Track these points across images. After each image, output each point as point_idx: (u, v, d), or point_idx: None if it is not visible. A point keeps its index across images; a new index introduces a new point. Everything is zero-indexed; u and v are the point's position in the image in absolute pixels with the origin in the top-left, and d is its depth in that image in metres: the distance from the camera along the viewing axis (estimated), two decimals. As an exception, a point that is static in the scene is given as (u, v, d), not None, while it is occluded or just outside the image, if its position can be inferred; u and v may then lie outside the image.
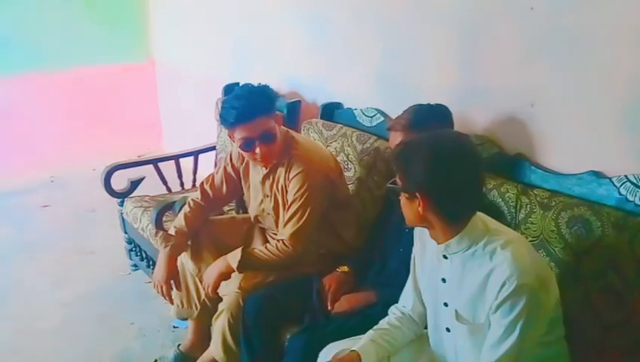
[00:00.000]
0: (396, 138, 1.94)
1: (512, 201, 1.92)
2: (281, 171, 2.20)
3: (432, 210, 1.45)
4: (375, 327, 1.73)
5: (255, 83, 2.17)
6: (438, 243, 1.51)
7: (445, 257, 1.52)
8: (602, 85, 1.79)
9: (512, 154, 2.05)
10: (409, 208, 1.50)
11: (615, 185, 1.74)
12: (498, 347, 1.39)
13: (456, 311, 1.52)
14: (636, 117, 1.72)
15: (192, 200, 2.41)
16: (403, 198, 1.51)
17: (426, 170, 1.41)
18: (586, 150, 1.87)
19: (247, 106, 2.06)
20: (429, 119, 1.91)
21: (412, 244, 1.74)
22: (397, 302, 1.82)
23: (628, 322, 1.63)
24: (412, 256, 1.74)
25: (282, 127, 2.26)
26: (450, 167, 1.40)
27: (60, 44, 4.54)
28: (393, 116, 2.49)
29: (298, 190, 2.13)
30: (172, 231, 2.36)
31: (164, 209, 2.73)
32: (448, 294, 1.54)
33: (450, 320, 1.56)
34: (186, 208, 2.40)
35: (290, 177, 2.15)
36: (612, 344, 1.67)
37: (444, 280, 1.55)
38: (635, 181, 1.69)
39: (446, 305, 1.56)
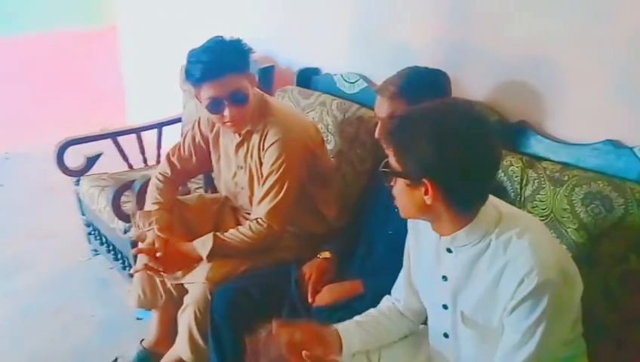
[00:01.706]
0: (382, 104, 1.71)
1: (517, 176, 1.69)
2: (255, 139, 1.98)
3: (442, 199, 1.19)
4: (364, 314, 1.52)
5: (227, 37, 1.91)
6: (442, 236, 1.27)
7: (449, 251, 1.28)
8: (620, 38, 1.55)
9: (515, 122, 1.81)
10: (409, 197, 1.23)
11: (637, 156, 1.52)
12: (514, 356, 1.16)
13: (462, 313, 1.28)
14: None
15: (160, 173, 2.17)
16: (401, 185, 1.24)
17: (435, 150, 1.14)
18: (601, 116, 1.63)
19: (216, 61, 1.82)
20: (423, 87, 1.66)
21: (402, 225, 1.50)
22: (387, 292, 1.59)
23: (654, 313, 1.43)
24: (406, 247, 1.49)
25: (257, 89, 2.01)
26: (464, 146, 1.14)
27: (9, 8, 4.16)
28: (378, 82, 2.24)
29: (274, 161, 1.91)
30: (150, 208, 2.10)
31: (123, 188, 2.46)
32: (450, 294, 1.30)
33: (449, 324, 1.32)
34: (157, 183, 2.15)
35: (266, 146, 1.93)
36: (634, 338, 1.47)
37: (445, 278, 1.31)
38: (660, 151, 1.47)
39: (445, 307, 1.32)
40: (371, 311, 1.53)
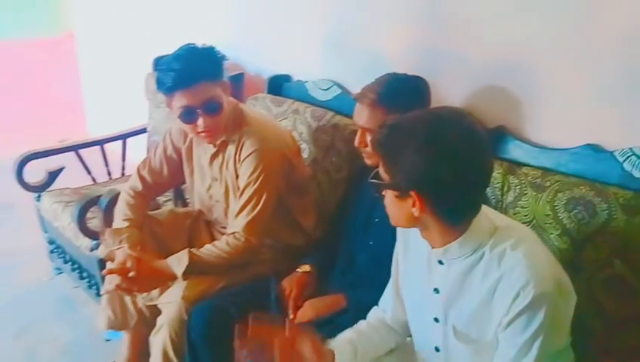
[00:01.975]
0: (362, 112, 1.67)
1: (498, 182, 1.67)
2: (231, 150, 1.91)
3: (430, 211, 1.15)
4: (352, 328, 1.47)
5: (199, 44, 1.85)
6: (434, 248, 1.23)
7: (441, 263, 1.24)
8: (599, 41, 1.54)
9: (493, 128, 1.79)
10: (398, 208, 1.20)
11: (618, 160, 1.51)
12: (511, 371, 1.13)
13: (454, 327, 1.24)
14: (638, 78, 1.48)
15: (130, 188, 2.08)
16: (390, 196, 1.21)
17: (423, 162, 1.10)
18: (580, 120, 1.62)
19: (189, 69, 1.76)
20: (403, 94, 1.63)
21: (383, 236, 1.47)
22: (370, 305, 1.56)
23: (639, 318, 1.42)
24: (394, 254, 1.46)
25: (231, 98, 1.95)
26: (454, 159, 1.10)
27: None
28: (352, 89, 2.22)
29: (252, 173, 1.85)
30: (120, 225, 2.01)
31: (89, 204, 2.35)
32: (441, 307, 1.27)
33: (441, 338, 1.29)
34: (127, 198, 2.06)
35: (242, 157, 1.87)
36: (619, 343, 1.46)
37: (436, 291, 1.27)
38: (642, 154, 1.47)
39: (437, 320, 1.28)
40: (361, 324, 1.49)
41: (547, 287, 1.10)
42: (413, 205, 1.15)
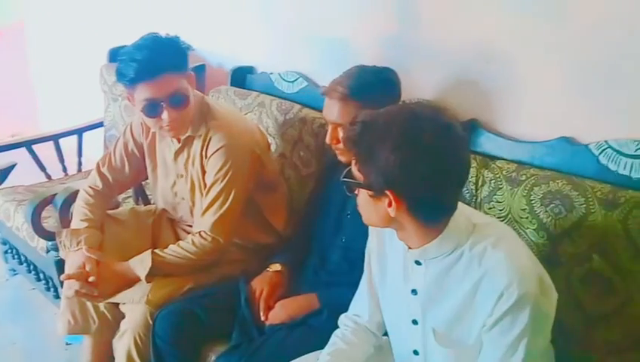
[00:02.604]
0: (333, 107, 1.60)
1: (472, 176, 1.64)
2: (197, 145, 1.83)
3: (407, 211, 1.10)
4: (328, 349, 1.39)
5: (162, 34, 1.75)
6: (411, 248, 1.18)
7: (418, 263, 1.20)
8: (572, 33, 1.52)
9: (465, 121, 1.76)
10: (372, 208, 1.15)
11: (593, 153, 1.50)
12: (498, 373, 1.09)
13: (433, 330, 1.20)
14: (613, 70, 1.47)
15: (90, 187, 1.98)
16: (364, 195, 1.15)
17: (399, 161, 1.05)
18: (555, 112, 1.60)
19: (152, 59, 1.66)
20: (373, 86, 1.58)
21: (355, 232, 1.42)
22: (344, 305, 1.49)
23: (618, 313, 1.41)
24: (366, 251, 1.40)
25: (197, 91, 1.86)
26: (432, 157, 1.05)
27: None
28: (319, 81, 2.16)
29: (219, 169, 1.77)
30: (78, 225, 1.90)
31: (43, 203, 2.22)
32: (420, 309, 1.22)
33: (420, 340, 1.24)
34: (86, 197, 1.96)
35: (209, 154, 1.79)
36: (598, 339, 1.45)
37: (414, 292, 1.22)
38: (617, 147, 1.45)
39: (415, 322, 1.24)
40: (338, 343, 1.40)
41: (530, 287, 1.07)
42: (389, 205, 1.09)
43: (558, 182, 1.47)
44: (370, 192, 1.13)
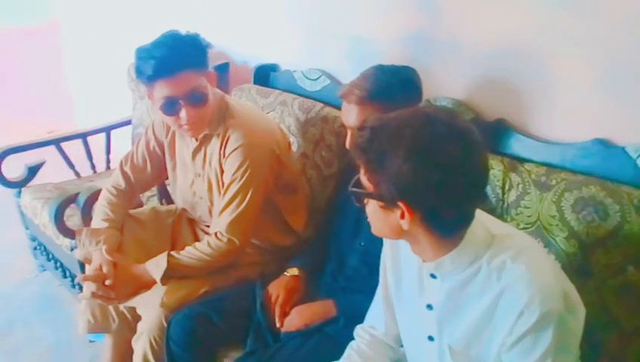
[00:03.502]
0: (351, 111, 1.53)
1: (498, 180, 1.55)
2: (215, 144, 1.79)
3: (421, 223, 1.03)
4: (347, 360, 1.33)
5: (182, 31, 1.72)
6: (425, 261, 1.11)
7: (434, 276, 1.12)
8: (608, 28, 1.41)
9: (492, 121, 1.67)
10: (383, 220, 1.07)
11: (630, 156, 1.39)
12: (517, 398, 1.01)
13: (450, 347, 1.13)
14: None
15: (113, 186, 1.97)
16: (373, 206, 1.08)
17: (412, 170, 0.97)
18: (588, 113, 1.50)
19: (171, 56, 1.63)
20: (393, 87, 1.50)
21: (374, 237, 1.31)
22: (362, 313, 1.43)
23: (655, 328, 1.30)
24: (381, 261, 1.33)
25: (216, 89, 1.82)
26: (447, 166, 0.97)
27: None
28: (341, 79, 2.09)
29: (237, 168, 1.72)
30: (99, 225, 1.89)
31: (66, 202, 2.22)
32: (436, 325, 1.15)
33: (436, 358, 1.17)
34: (109, 197, 1.95)
35: (227, 153, 1.75)
36: (633, 355, 1.35)
37: (430, 307, 1.15)
38: (657, 151, 1.34)
39: (431, 338, 1.17)
40: (352, 356, 1.34)
41: (554, 304, 0.98)
42: (402, 217, 1.02)
43: (592, 188, 1.37)
44: (380, 203, 1.05)
